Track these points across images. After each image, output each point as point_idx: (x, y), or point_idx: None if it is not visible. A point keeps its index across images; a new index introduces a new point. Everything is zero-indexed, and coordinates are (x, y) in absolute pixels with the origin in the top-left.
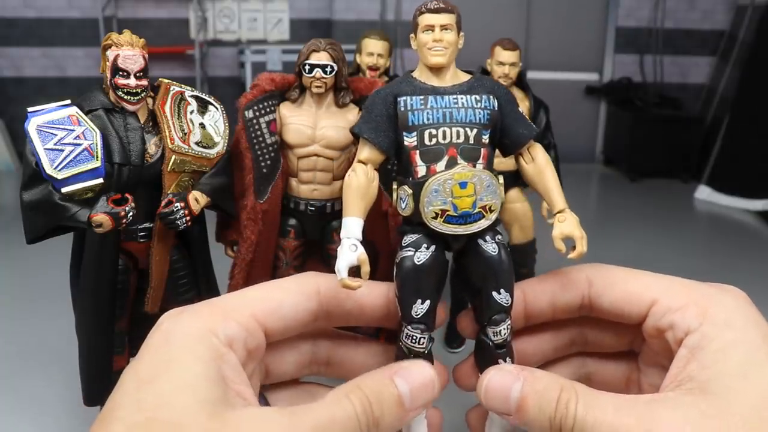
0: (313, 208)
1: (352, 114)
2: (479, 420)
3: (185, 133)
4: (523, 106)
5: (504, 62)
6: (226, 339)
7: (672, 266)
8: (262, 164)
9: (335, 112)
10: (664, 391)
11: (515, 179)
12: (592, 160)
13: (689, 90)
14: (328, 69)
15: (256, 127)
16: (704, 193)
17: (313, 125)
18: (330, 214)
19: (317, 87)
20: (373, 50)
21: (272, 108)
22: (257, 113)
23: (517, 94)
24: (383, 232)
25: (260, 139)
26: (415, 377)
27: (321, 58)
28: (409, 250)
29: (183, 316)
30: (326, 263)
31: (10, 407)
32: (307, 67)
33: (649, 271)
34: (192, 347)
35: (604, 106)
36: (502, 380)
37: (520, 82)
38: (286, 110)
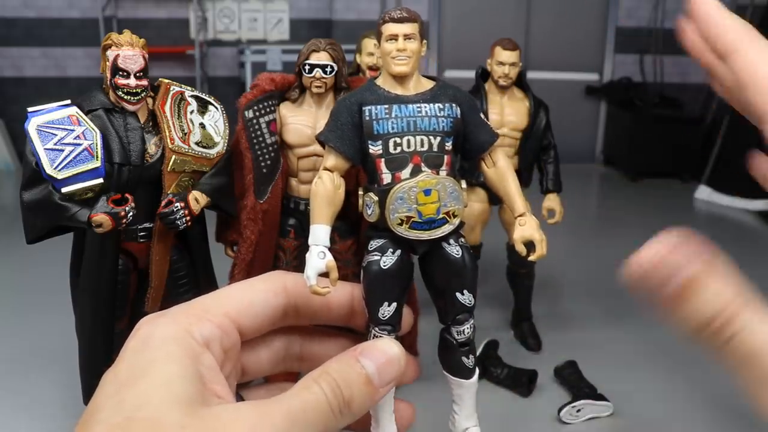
0: None
1: None
2: None
3: (185, 133)
4: (523, 106)
5: (504, 62)
6: (202, 339)
7: None
8: (262, 164)
9: None
10: None
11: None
12: (592, 160)
13: (689, 90)
14: (328, 69)
15: (256, 127)
16: (704, 193)
17: (313, 125)
18: None
19: (317, 87)
20: (373, 50)
21: (272, 108)
22: (257, 113)
23: (517, 94)
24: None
25: (260, 139)
26: (380, 355)
27: (321, 58)
28: (376, 255)
29: (160, 320)
30: None
31: (10, 407)
32: (307, 67)
33: None
34: (169, 349)
35: (604, 106)
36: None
37: (520, 82)
38: (286, 110)
